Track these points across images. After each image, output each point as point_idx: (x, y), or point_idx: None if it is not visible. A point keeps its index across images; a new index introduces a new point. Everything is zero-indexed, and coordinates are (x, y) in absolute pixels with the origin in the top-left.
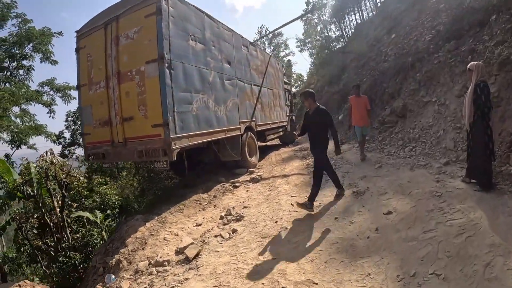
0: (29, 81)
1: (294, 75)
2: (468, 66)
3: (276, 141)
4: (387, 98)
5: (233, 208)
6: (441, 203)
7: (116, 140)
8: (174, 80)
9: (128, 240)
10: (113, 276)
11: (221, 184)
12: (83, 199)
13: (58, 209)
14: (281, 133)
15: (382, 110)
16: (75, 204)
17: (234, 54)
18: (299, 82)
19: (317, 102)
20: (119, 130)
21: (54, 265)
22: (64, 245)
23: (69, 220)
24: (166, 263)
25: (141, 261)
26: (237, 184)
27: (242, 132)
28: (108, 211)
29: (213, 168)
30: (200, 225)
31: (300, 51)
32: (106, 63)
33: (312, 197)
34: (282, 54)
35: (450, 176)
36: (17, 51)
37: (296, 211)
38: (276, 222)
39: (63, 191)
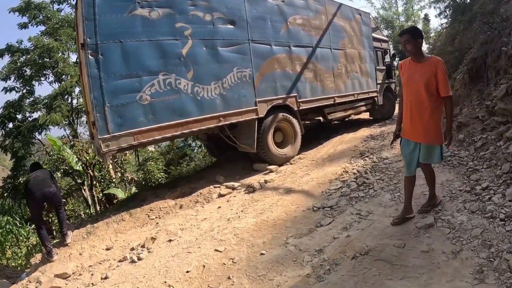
0: None
1: (432, 33)
2: None
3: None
4: (505, 64)
5: (153, 239)
6: None
7: None
8: (104, 68)
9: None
10: (24, 275)
11: (210, 188)
12: (113, 178)
13: (87, 187)
14: (363, 108)
15: (494, 88)
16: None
17: (247, 8)
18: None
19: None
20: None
21: None
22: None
23: (99, 196)
24: (38, 284)
25: (38, 272)
26: (224, 192)
27: (261, 115)
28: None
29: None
30: (109, 249)
31: (435, 1)
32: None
33: None
34: (416, 7)
35: None
36: None
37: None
38: None
39: (89, 171)
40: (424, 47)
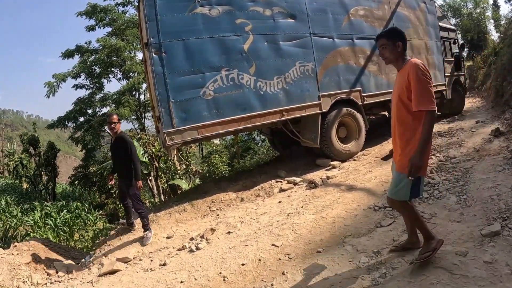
0: None
1: (503, 20)
2: None
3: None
4: None
5: (212, 230)
6: None
7: None
8: (168, 65)
9: (113, 232)
10: (88, 257)
11: (271, 182)
12: (178, 170)
13: (153, 177)
14: None
15: None
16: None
17: (307, 1)
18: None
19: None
20: None
21: None
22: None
23: (164, 187)
24: (100, 266)
25: (101, 254)
26: (285, 187)
27: (325, 109)
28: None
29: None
30: (170, 238)
31: None
32: None
33: None
34: None
35: None
36: None
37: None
38: (195, 280)
39: (155, 162)
40: (495, 36)
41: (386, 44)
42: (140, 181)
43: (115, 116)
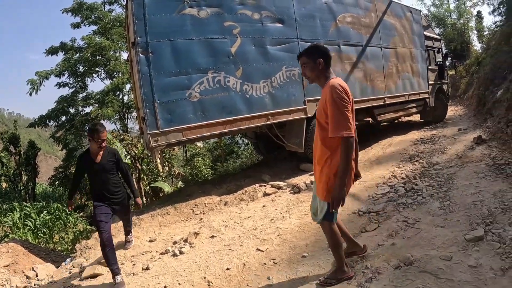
0: None
1: (486, 31)
2: None
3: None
4: None
5: (196, 234)
6: None
7: None
8: (154, 65)
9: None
10: (68, 260)
11: (255, 186)
12: (161, 172)
13: (134, 179)
14: (414, 110)
15: None
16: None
17: (295, 6)
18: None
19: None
20: None
21: None
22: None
23: (146, 189)
24: (81, 270)
25: (82, 258)
26: (269, 191)
27: (310, 114)
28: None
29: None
30: (152, 241)
31: None
32: None
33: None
34: (468, 3)
35: None
36: None
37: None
38: (179, 285)
39: (137, 164)
40: (478, 46)
41: (307, 62)
42: (139, 197)
43: (105, 133)
